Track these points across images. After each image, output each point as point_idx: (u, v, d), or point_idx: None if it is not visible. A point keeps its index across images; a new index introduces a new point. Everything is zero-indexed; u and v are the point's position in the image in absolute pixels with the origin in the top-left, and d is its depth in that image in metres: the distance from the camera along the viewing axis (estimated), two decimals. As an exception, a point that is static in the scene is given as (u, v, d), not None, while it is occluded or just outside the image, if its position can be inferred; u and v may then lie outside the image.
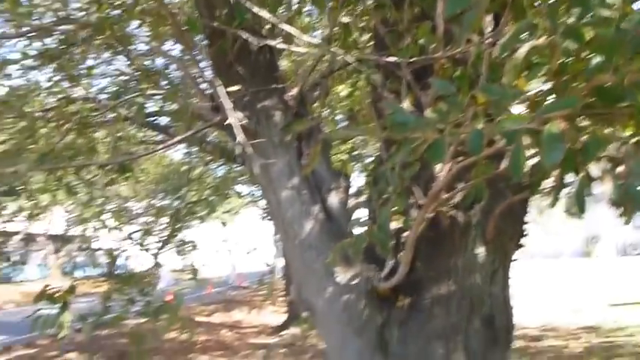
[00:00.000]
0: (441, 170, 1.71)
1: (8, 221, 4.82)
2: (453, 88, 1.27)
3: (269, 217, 20.04)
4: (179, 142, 3.98)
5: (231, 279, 25.58)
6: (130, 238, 13.97)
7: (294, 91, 2.55)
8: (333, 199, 2.52)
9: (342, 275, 2.32)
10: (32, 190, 4.65)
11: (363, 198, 3.25)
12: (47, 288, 3.30)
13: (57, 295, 3.28)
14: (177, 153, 16.60)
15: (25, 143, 4.15)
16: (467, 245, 2.26)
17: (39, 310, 3.57)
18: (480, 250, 2.27)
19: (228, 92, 2.28)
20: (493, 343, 2.35)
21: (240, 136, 2.17)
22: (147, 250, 13.49)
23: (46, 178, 5.02)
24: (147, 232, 14.17)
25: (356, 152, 6.46)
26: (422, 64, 1.93)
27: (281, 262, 16.11)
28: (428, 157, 1.19)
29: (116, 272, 5.89)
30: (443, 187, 1.75)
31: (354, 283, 2.30)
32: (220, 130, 2.70)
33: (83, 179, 5.15)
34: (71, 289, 3.38)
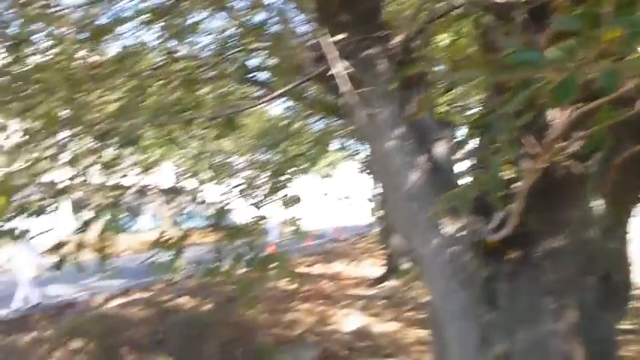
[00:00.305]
0: (558, 117, 1.60)
1: (125, 176, 5.13)
2: (580, 23, 1.16)
3: (367, 171, 20.06)
4: (279, 95, 4.02)
5: (330, 232, 26.05)
6: (234, 192, 14.53)
7: (399, 38, 2.47)
8: (439, 149, 2.45)
9: (448, 227, 2.27)
10: (145, 144, 4.89)
11: (467, 149, 3.14)
12: (162, 236, 3.52)
13: (171, 242, 3.50)
14: (276, 108, 16.86)
15: (137, 101, 4.36)
16: (582, 198, 2.13)
17: (154, 256, 3.83)
18: (597, 204, 2.14)
19: (332, 41, 2.24)
20: (609, 301, 2.23)
21: (345, 86, 2.15)
22: (251, 203, 13.99)
23: (157, 134, 5.27)
24: (250, 186, 14.68)
25: (458, 104, 6.24)
26: (536, 3, 1.80)
27: (379, 215, 16.15)
28: (554, 98, 1.10)
29: (223, 224, 6.13)
30: (559, 135, 1.64)
31: (460, 234, 2.24)
32: (323, 82, 2.66)
33: (191, 134, 5.35)
34: (184, 237, 3.58)
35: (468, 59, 3.59)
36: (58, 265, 3.71)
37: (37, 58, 4.00)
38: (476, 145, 2.41)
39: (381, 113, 2.40)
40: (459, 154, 2.63)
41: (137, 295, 11.74)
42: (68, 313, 10.46)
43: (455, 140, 2.63)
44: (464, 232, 2.24)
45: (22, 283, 10.96)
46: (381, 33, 2.47)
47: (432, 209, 2.25)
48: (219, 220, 5.43)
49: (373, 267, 13.63)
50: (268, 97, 3.90)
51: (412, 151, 2.38)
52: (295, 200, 5.53)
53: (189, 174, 15.35)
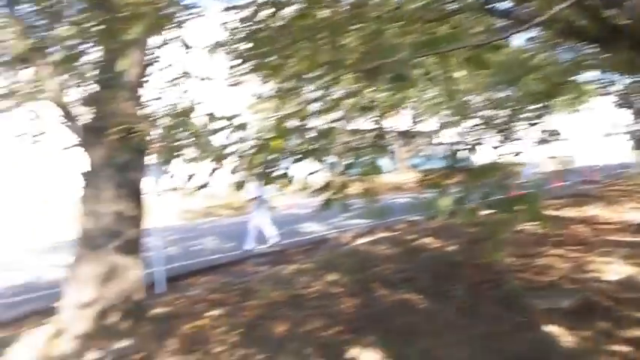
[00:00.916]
0: None
1: (381, 116, 5.20)
2: None
3: (626, 104, 17.74)
4: (536, 24, 3.64)
5: (583, 172, 23.85)
6: (473, 132, 14.13)
7: None
8: None
9: None
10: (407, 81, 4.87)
11: None
12: (426, 176, 3.53)
13: (435, 182, 3.48)
14: (516, 40, 15.74)
15: (388, 40, 4.34)
16: None
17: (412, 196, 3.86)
18: None
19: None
20: None
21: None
22: (491, 143, 13.47)
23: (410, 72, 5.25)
24: (489, 125, 14.09)
25: None
26: None
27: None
28: None
29: (461, 165, 5.94)
30: None
31: None
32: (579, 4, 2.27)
33: (444, 70, 5.17)
34: (447, 176, 3.54)
35: None
36: (325, 206, 3.96)
37: (291, 10, 4.22)
38: None
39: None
40: None
41: (381, 234, 12.29)
42: (321, 249, 11.43)
43: None
44: None
45: (265, 222, 12.44)
46: None
47: None
48: (457, 161, 5.27)
49: (636, 211, 12.10)
50: (525, 26, 3.52)
51: None
52: (554, 135, 5.08)
53: (426, 115, 15.33)
